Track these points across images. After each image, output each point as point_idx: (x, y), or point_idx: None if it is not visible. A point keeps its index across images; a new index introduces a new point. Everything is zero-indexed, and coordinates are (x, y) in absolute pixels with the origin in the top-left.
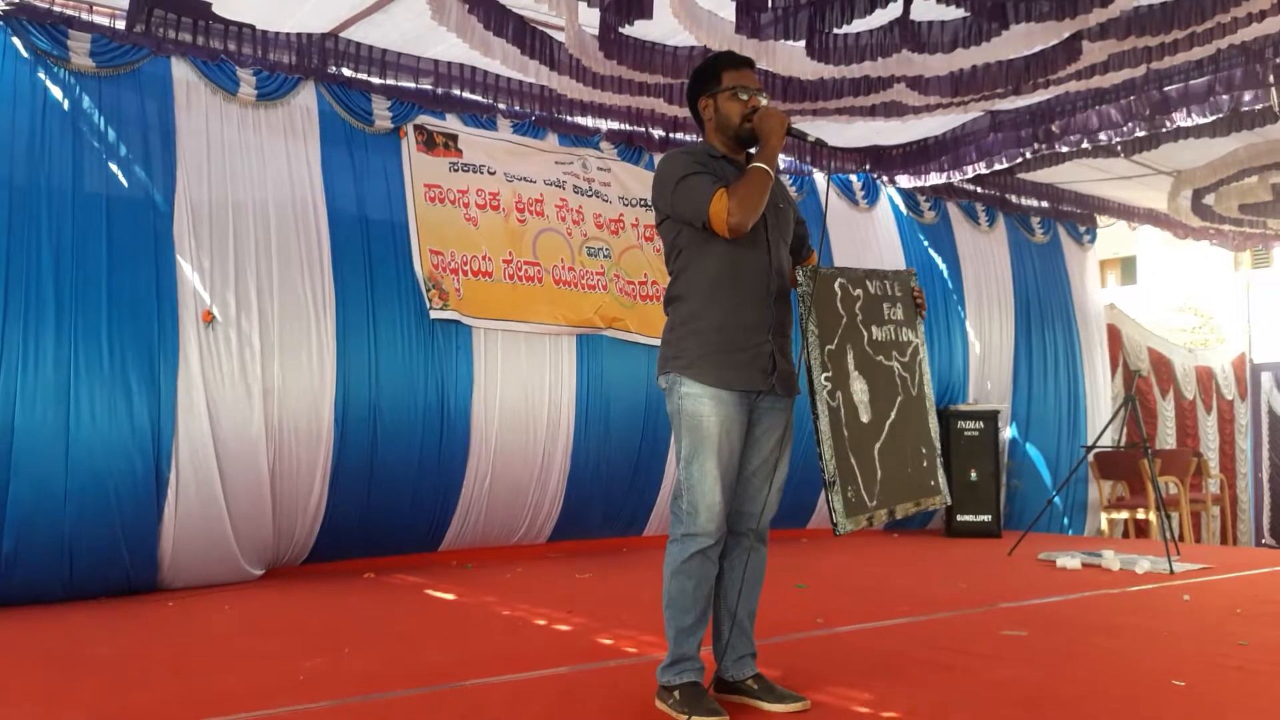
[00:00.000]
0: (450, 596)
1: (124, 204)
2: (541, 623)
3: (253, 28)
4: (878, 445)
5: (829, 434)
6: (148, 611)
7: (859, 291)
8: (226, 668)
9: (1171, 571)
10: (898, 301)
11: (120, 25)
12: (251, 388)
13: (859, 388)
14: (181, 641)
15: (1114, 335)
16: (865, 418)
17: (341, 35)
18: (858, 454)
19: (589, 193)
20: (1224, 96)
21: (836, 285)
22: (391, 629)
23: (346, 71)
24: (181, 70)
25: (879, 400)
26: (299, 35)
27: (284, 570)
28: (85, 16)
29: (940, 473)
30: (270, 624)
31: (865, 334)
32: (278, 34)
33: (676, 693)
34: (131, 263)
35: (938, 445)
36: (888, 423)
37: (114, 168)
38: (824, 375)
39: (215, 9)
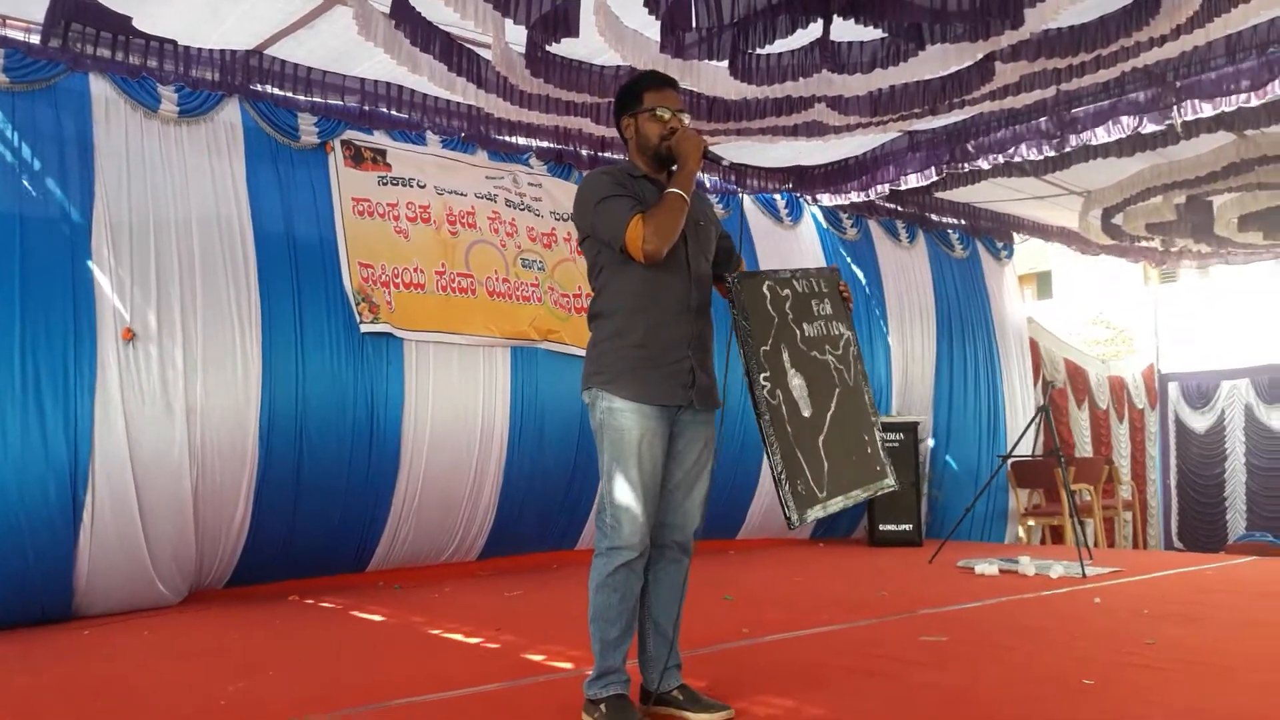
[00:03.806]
0: (377, 618)
1: (38, 222)
2: (470, 641)
3: (174, 43)
4: (821, 438)
5: (773, 432)
6: (62, 640)
7: (787, 291)
8: (146, 694)
9: (1084, 576)
10: (825, 297)
11: (36, 39)
12: (173, 406)
13: (797, 383)
14: (99, 669)
15: (1034, 348)
16: (806, 412)
17: (265, 52)
18: (803, 448)
19: (521, 206)
20: (1128, 118)
21: (765, 288)
22: (316, 651)
23: (272, 89)
24: (100, 86)
25: (818, 394)
26: (222, 52)
27: (206, 594)
28: None
29: (884, 457)
30: (191, 649)
31: (798, 332)
32: (200, 50)
33: (603, 705)
34: (46, 281)
35: (879, 432)
36: (829, 415)
37: (28, 184)
38: (762, 375)
39: (135, 23)
